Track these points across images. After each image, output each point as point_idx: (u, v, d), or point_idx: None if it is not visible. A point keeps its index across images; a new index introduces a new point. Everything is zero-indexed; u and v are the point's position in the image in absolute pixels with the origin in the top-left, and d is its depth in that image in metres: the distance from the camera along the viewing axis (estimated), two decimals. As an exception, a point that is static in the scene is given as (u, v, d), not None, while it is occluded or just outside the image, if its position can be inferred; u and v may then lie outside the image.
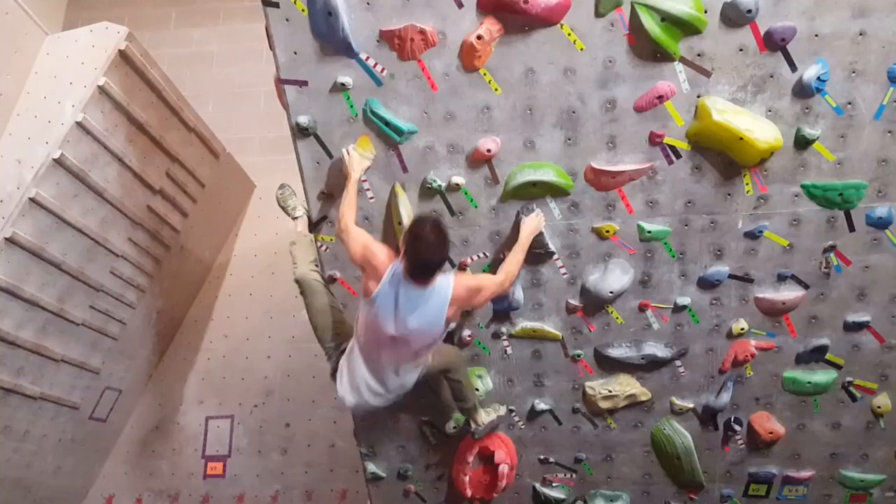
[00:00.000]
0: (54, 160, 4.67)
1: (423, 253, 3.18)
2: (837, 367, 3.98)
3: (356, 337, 3.52)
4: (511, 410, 4.22)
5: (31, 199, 4.64)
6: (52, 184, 4.74)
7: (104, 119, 4.91)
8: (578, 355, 4.06)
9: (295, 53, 3.50)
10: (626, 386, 4.06)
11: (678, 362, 4.04)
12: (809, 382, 3.99)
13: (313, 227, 3.86)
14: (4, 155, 4.73)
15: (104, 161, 5.04)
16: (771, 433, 4.10)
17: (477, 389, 4.11)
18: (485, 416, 4.01)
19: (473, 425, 4.00)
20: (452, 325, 3.69)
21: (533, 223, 3.67)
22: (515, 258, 3.57)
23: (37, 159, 4.67)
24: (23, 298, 4.86)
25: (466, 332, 4.05)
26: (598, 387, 4.09)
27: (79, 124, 4.73)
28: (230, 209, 6.92)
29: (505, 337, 4.07)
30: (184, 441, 6.54)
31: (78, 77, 4.81)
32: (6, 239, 4.60)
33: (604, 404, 4.10)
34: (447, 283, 3.32)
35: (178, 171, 5.82)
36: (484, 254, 3.88)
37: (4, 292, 4.73)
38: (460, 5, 3.37)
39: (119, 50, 4.84)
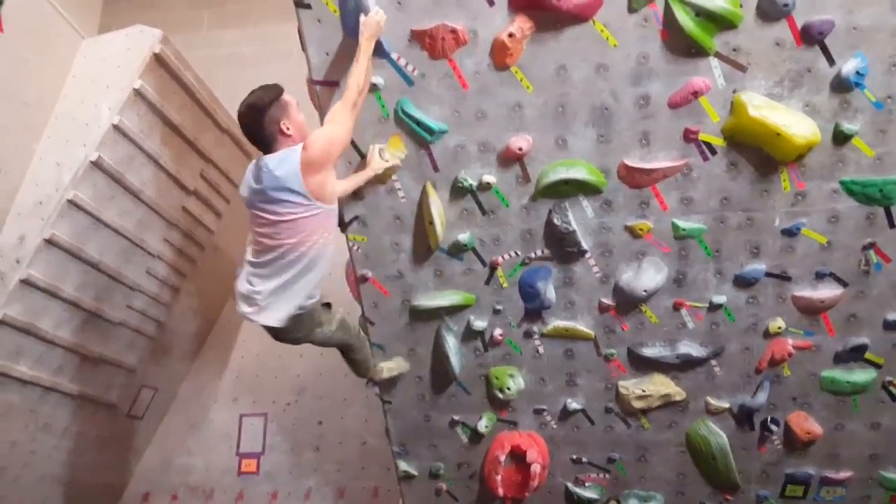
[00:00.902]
0: (91, 162, 4.75)
1: (239, 121, 3.25)
2: (877, 366, 3.89)
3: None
4: (543, 409, 4.21)
5: (70, 201, 4.72)
6: (89, 186, 4.82)
7: (140, 121, 4.99)
8: (611, 355, 4.04)
9: (327, 54, 3.52)
10: (660, 386, 4.02)
11: (713, 361, 3.99)
12: (848, 382, 3.91)
13: (344, 227, 3.88)
14: (43, 158, 4.83)
15: (140, 163, 5.12)
16: (808, 433, 4.03)
17: (508, 388, 4.11)
18: (385, 373, 4.10)
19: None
20: (332, 209, 3.33)
21: (371, 25, 3.23)
22: (355, 69, 3.21)
23: (74, 162, 4.76)
24: (62, 298, 4.96)
25: (498, 331, 4.04)
26: (632, 386, 4.05)
27: (115, 127, 4.80)
28: (262, 209, 6.99)
29: (537, 336, 4.06)
30: (218, 438, 6.62)
31: (114, 80, 4.89)
32: (45, 240, 4.69)
33: (637, 404, 4.06)
34: (297, 147, 3.16)
35: (211, 172, 5.90)
36: (515, 252, 3.87)
37: (44, 292, 4.83)
38: (491, 3, 3.36)
39: (154, 53, 4.91)
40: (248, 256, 3.39)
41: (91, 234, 4.97)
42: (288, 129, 3.17)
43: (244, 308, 3.38)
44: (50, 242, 4.72)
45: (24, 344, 4.87)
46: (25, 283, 4.68)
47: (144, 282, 5.61)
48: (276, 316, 3.35)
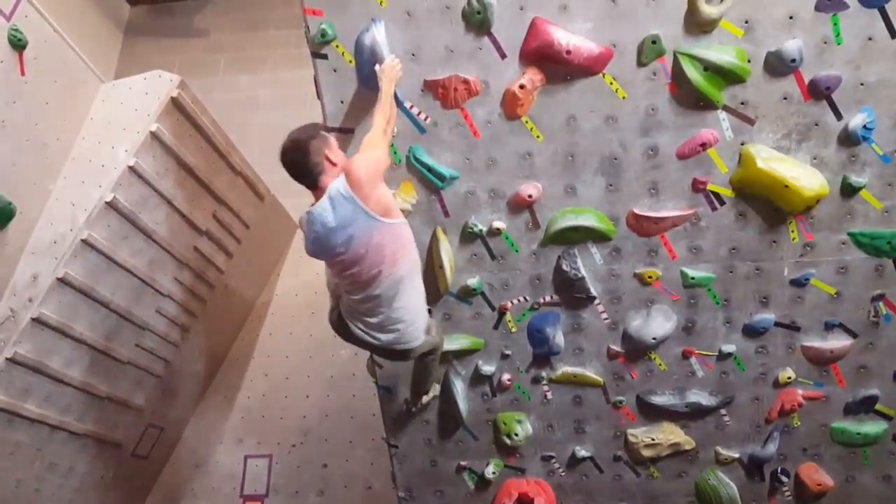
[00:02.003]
0: (106, 203, 4.80)
1: (282, 158, 3.14)
2: (888, 418, 3.87)
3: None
4: (551, 457, 4.19)
5: (84, 241, 4.77)
6: (103, 226, 4.87)
7: (155, 163, 5.06)
8: (620, 402, 4.02)
9: (342, 102, 3.59)
10: (669, 434, 4.00)
11: (723, 411, 3.97)
12: (859, 433, 3.89)
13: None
14: (59, 198, 4.89)
15: (154, 204, 5.18)
16: (819, 485, 4.00)
17: (516, 434, 4.09)
18: (425, 398, 4.07)
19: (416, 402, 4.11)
20: (402, 221, 3.31)
21: (388, 70, 3.30)
22: (379, 105, 3.25)
23: (90, 202, 4.82)
24: (72, 337, 4.98)
25: (506, 376, 4.04)
26: (641, 434, 4.03)
27: (131, 168, 4.86)
28: (273, 249, 7.04)
29: (545, 382, 4.05)
30: (222, 480, 6.56)
31: (131, 123, 4.97)
32: (58, 279, 4.72)
33: (646, 452, 4.04)
34: (338, 179, 3.13)
35: (224, 214, 5.95)
36: (524, 298, 3.89)
37: (55, 331, 4.85)
38: (503, 56, 3.44)
39: (171, 97, 5.00)
40: (352, 301, 3.38)
41: (103, 273, 5.01)
42: (332, 159, 3.16)
43: (380, 338, 3.43)
44: (62, 281, 4.75)
45: (33, 382, 4.88)
46: (37, 321, 4.71)
47: (154, 321, 5.63)
48: (417, 336, 3.46)
